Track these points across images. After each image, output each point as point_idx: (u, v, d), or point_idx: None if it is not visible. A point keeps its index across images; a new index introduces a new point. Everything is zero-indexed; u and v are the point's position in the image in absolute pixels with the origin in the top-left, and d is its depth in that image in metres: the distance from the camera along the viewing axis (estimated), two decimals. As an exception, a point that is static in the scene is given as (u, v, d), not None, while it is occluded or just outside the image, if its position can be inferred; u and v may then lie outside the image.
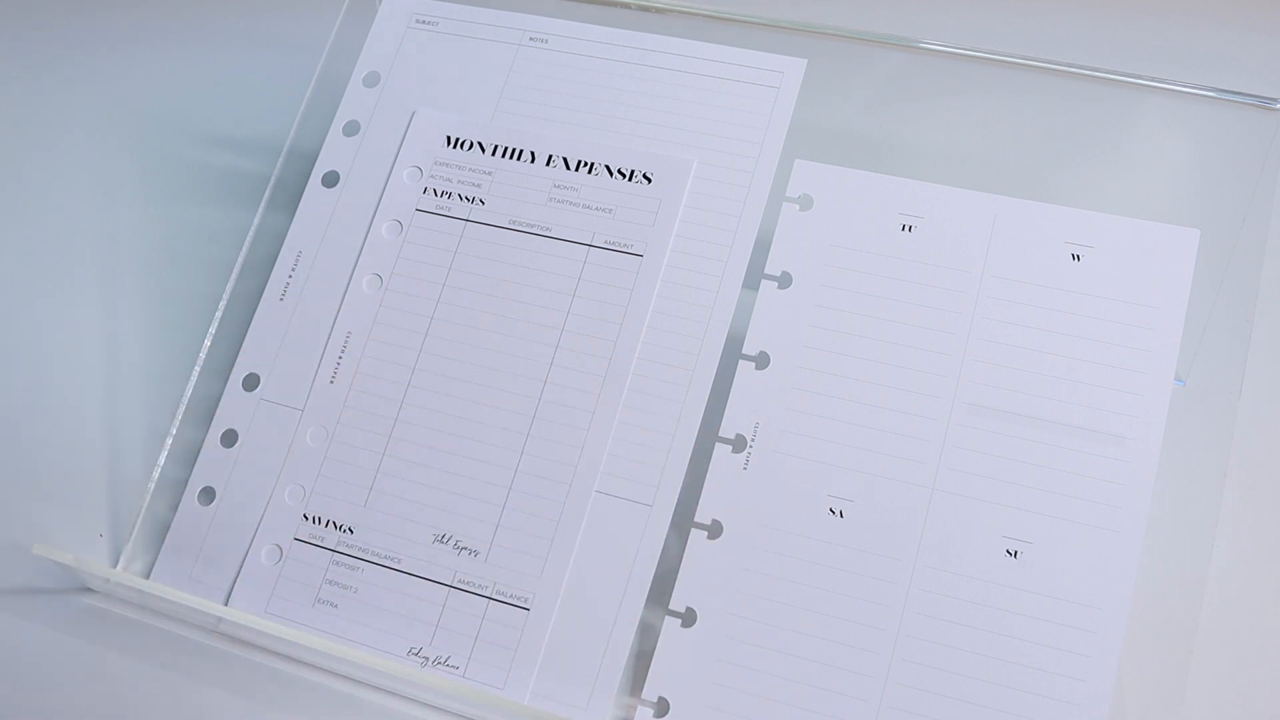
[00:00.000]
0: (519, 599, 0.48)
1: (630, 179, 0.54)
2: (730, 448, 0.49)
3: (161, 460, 0.54)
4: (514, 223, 0.54)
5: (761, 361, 0.50)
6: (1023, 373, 0.48)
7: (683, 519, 0.49)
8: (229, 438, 0.53)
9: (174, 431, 0.54)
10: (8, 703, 0.49)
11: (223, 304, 0.56)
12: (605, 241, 0.53)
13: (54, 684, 0.50)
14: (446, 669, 0.48)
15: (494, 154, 0.55)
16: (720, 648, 0.47)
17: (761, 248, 0.52)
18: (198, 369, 0.55)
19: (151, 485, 0.53)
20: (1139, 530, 0.46)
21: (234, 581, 0.51)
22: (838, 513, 0.48)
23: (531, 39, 0.57)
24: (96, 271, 0.63)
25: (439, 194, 0.55)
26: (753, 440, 0.49)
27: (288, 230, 0.56)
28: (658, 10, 0.57)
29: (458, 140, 0.56)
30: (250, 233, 0.57)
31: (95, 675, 0.50)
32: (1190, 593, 0.48)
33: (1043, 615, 0.45)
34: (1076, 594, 0.45)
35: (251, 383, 0.54)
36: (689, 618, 0.47)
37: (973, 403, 0.48)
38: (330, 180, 0.57)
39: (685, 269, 0.52)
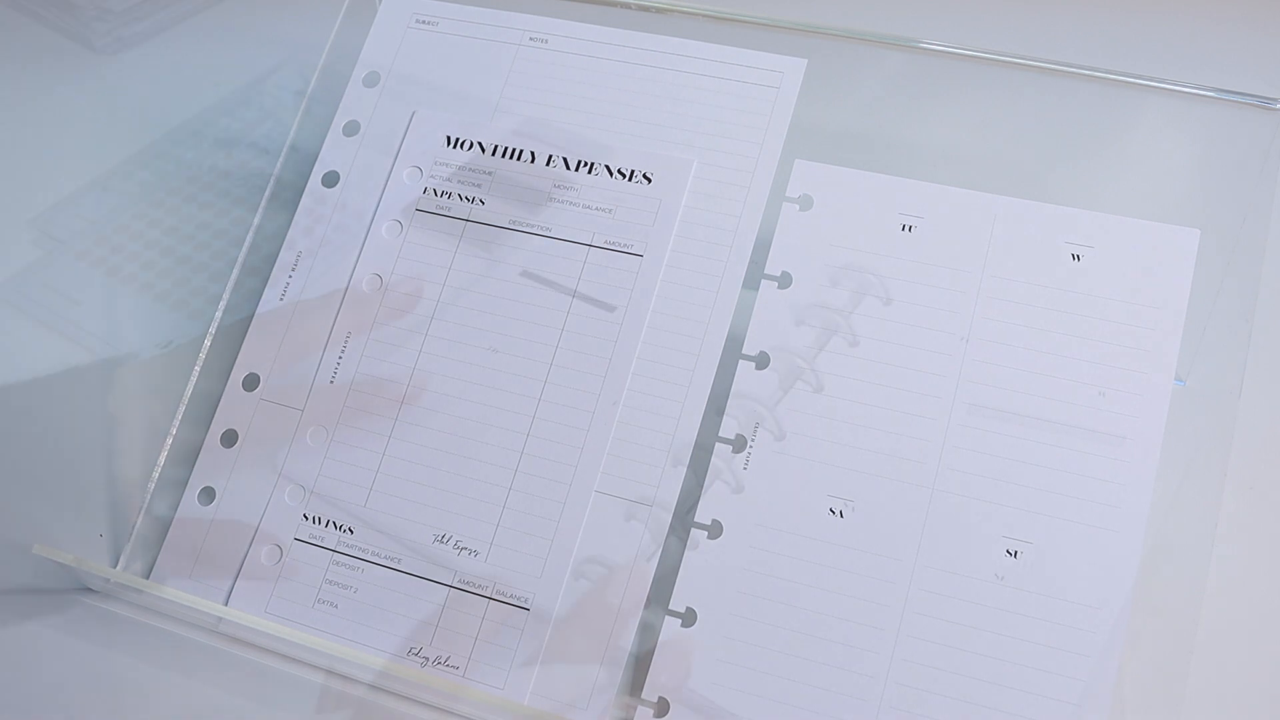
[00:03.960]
0: (519, 599, 0.48)
1: (630, 179, 0.54)
2: (730, 448, 0.49)
3: (161, 460, 0.54)
4: (514, 223, 0.54)
5: (761, 361, 0.50)
6: (1023, 373, 0.48)
7: (683, 519, 0.49)
8: (229, 438, 0.53)
9: (174, 431, 0.54)
10: (8, 703, 0.49)
11: (223, 304, 0.56)
12: (605, 241, 0.53)
13: (54, 684, 0.50)
14: (446, 669, 0.48)
15: (494, 154, 0.55)
16: (720, 648, 0.47)
17: (761, 248, 0.52)
18: (198, 369, 0.55)
19: (151, 485, 0.53)
20: (1139, 530, 0.46)
21: (234, 581, 0.51)
22: (838, 513, 0.48)
23: (531, 39, 0.57)
24: (97, 271, 0.63)
25: (439, 194, 0.55)
26: (753, 440, 0.49)
27: (288, 230, 0.56)
28: (658, 10, 0.57)
29: (458, 140, 0.56)
30: (250, 233, 0.57)
31: (95, 675, 0.50)
32: (1190, 593, 0.48)
33: (1043, 615, 0.45)
34: (1076, 594, 0.45)
35: (251, 383, 0.54)
36: (689, 618, 0.47)
37: (973, 403, 0.48)
38: (330, 180, 0.57)
39: (685, 269, 0.52)
